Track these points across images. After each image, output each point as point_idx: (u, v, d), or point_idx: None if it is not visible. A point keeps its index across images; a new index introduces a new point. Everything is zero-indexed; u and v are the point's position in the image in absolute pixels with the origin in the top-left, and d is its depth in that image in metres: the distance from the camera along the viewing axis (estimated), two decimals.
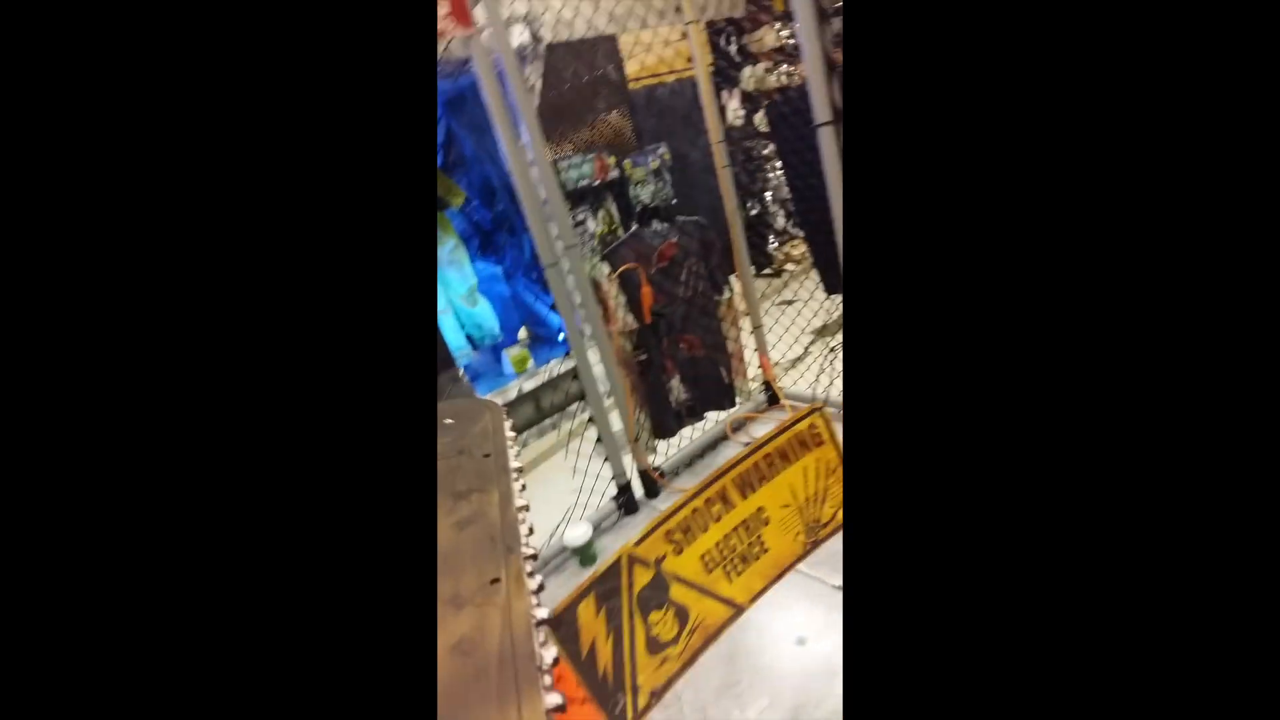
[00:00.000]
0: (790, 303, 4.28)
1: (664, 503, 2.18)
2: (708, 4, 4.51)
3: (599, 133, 3.83)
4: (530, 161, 1.83)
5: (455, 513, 0.81)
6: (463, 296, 3.77)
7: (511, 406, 3.39)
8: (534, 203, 1.83)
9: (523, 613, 0.63)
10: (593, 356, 2.06)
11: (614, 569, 1.45)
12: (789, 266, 4.90)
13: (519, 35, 3.35)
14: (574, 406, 3.32)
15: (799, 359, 3.44)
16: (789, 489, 1.72)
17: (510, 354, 3.58)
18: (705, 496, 1.60)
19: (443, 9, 1.78)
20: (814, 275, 2.49)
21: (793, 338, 2.94)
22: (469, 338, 3.85)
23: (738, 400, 2.49)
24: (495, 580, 0.66)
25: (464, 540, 0.75)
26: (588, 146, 3.71)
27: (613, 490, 2.20)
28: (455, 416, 1.08)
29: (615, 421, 2.16)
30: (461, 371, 2.87)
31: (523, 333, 3.99)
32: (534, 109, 1.83)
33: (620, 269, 2.12)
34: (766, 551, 1.63)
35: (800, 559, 1.67)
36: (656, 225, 2.21)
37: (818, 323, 3.64)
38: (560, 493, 2.14)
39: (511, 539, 0.75)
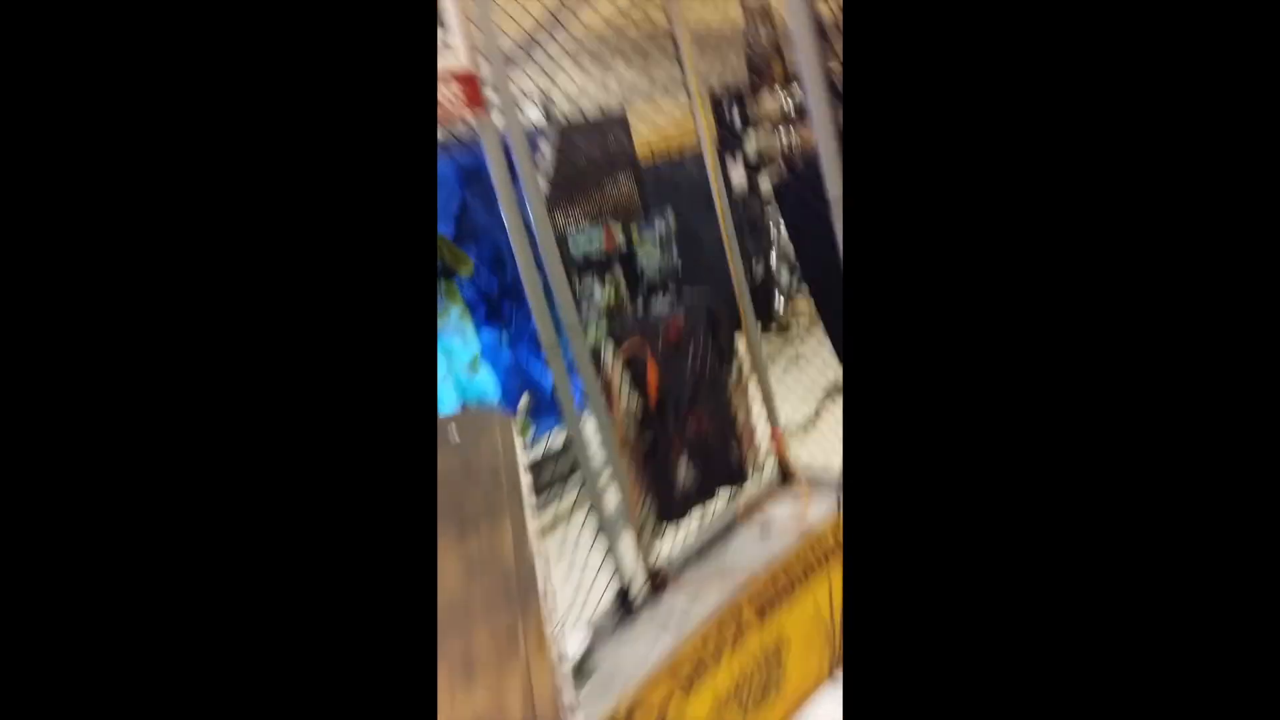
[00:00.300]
0: (798, 359, 4.24)
1: (672, 599, 2.02)
2: (709, 73, 4.65)
3: (607, 201, 3.87)
4: (536, 243, 1.81)
5: (462, 547, 0.70)
6: (465, 365, 3.72)
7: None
8: (535, 286, 1.79)
9: (547, 688, 0.52)
10: (591, 438, 1.98)
11: None
12: (796, 319, 4.89)
13: (533, 115, 3.43)
14: (573, 481, 3.21)
15: (811, 421, 3.34)
16: (813, 606, 1.53)
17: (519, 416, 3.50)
18: (718, 620, 1.43)
19: (454, 90, 1.79)
20: (820, 331, 2.43)
21: (800, 398, 2.86)
22: (465, 406, 3.78)
23: (748, 476, 2.38)
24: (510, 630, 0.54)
25: (474, 588, 0.64)
26: (596, 215, 3.74)
27: (614, 587, 2.03)
28: (461, 432, 0.98)
29: (615, 506, 2.04)
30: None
31: (524, 401, 3.91)
32: (539, 187, 1.81)
33: (627, 350, 2.06)
34: (788, 680, 1.46)
35: (827, 685, 1.49)
36: (662, 300, 2.16)
37: (825, 381, 3.56)
38: (553, 579, 2.01)
39: (528, 582, 0.63)
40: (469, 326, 3.70)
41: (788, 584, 1.51)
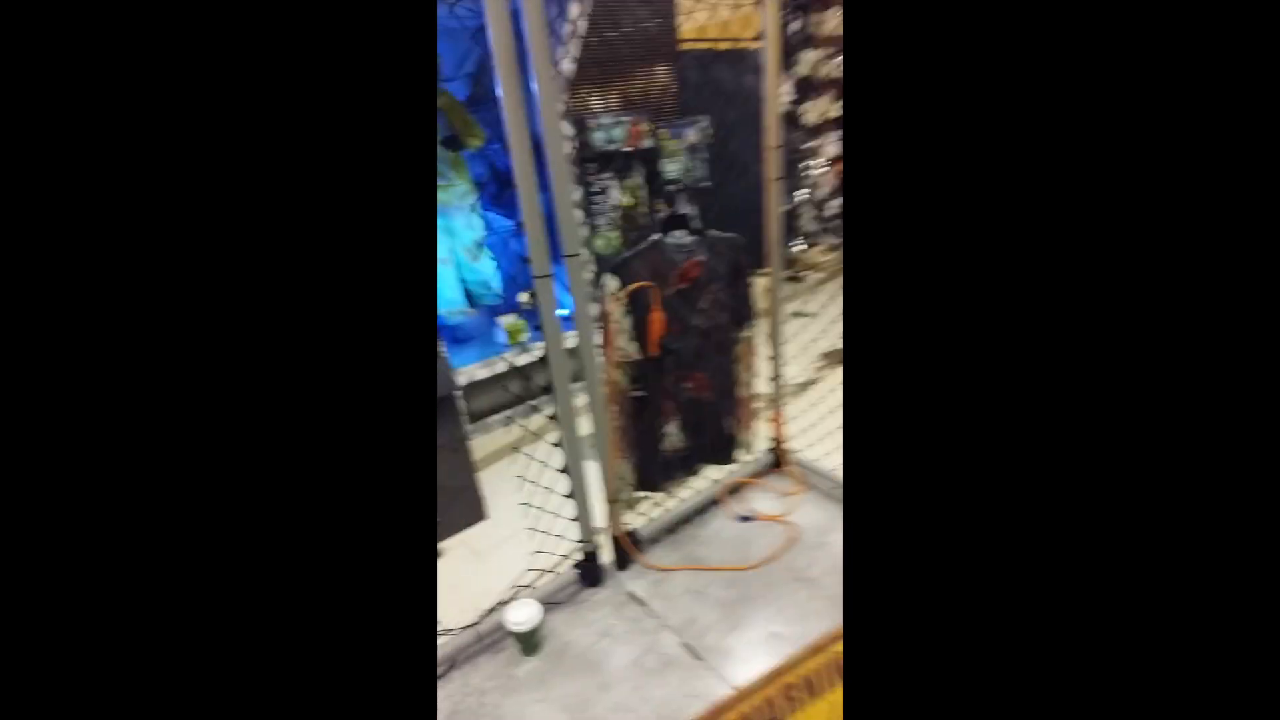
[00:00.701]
0: (804, 315, 3.95)
1: (635, 577, 1.90)
2: None
3: (639, 93, 3.47)
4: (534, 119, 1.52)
5: None
6: (467, 248, 3.48)
7: (495, 381, 3.14)
8: (526, 169, 1.53)
9: None
10: (565, 367, 1.76)
11: None
12: (811, 273, 4.54)
13: None
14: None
15: (806, 385, 3.14)
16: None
17: (505, 321, 3.31)
18: None
19: None
20: (832, 288, 2.17)
21: (793, 359, 2.63)
22: (468, 293, 3.57)
23: (737, 456, 2.19)
24: None
25: None
26: (624, 107, 3.36)
27: (576, 553, 1.87)
28: None
29: (588, 457, 1.83)
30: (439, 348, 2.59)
31: (524, 297, 3.70)
32: (546, 52, 1.51)
33: (631, 286, 1.78)
34: None
35: None
36: (681, 237, 1.87)
37: (826, 345, 3.32)
38: (510, 511, 1.88)
39: None
40: (474, 205, 3.43)
41: (787, 705, 1.34)
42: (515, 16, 1.45)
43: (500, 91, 1.50)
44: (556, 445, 1.73)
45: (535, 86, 1.53)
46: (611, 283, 1.79)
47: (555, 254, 1.62)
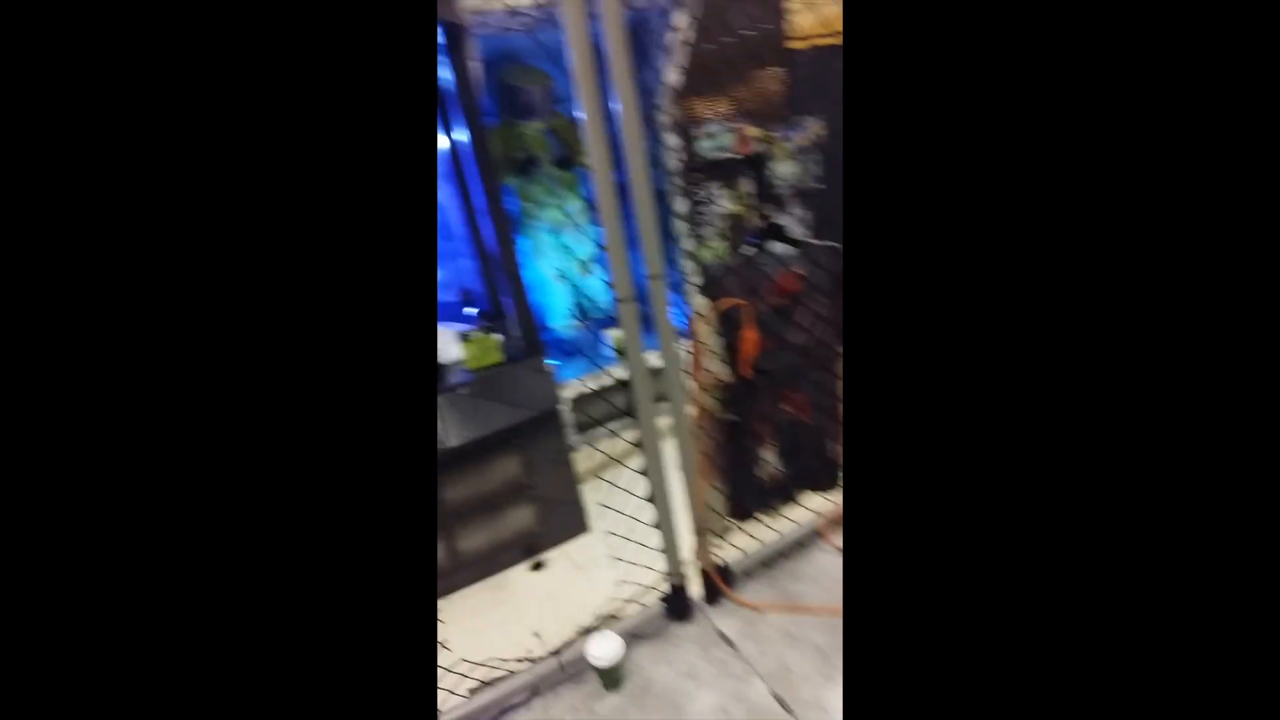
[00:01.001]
0: None
1: (727, 615, 1.79)
2: None
3: (749, 97, 3.34)
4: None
5: None
6: (578, 264, 3.56)
7: (598, 395, 3.15)
8: (608, 191, 1.49)
9: None
10: (647, 389, 1.70)
11: None
12: None
13: None
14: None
15: None
16: None
17: (613, 335, 3.33)
18: None
19: None
20: None
21: None
22: (579, 307, 3.65)
23: (840, 483, 2.00)
24: None
25: None
26: (733, 114, 3.26)
27: (662, 585, 1.78)
28: None
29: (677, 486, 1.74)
30: (547, 365, 2.64)
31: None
32: (627, 70, 1.46)
33: (721, 305, 1.68)
34: None
35: None
36: (778, 248, 1.74)
37: None
38: (609, 522, 1.85)
39: None
40: (586, 223, 3.49)
41: None
42: (597, 37, 1.42)
43: (582, 113, 1.48)
44: (642, 473, 1.67)
45: (617, 105, 1.50)
46: (699, 301, 1.71)
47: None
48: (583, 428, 3.19)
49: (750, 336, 1.70)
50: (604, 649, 1.58)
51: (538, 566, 2.54)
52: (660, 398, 1.64)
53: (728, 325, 1.72)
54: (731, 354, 1.73)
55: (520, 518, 2.54)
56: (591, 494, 2.59)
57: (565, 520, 2.62)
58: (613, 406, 3.18)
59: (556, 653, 1.66)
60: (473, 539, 2.46)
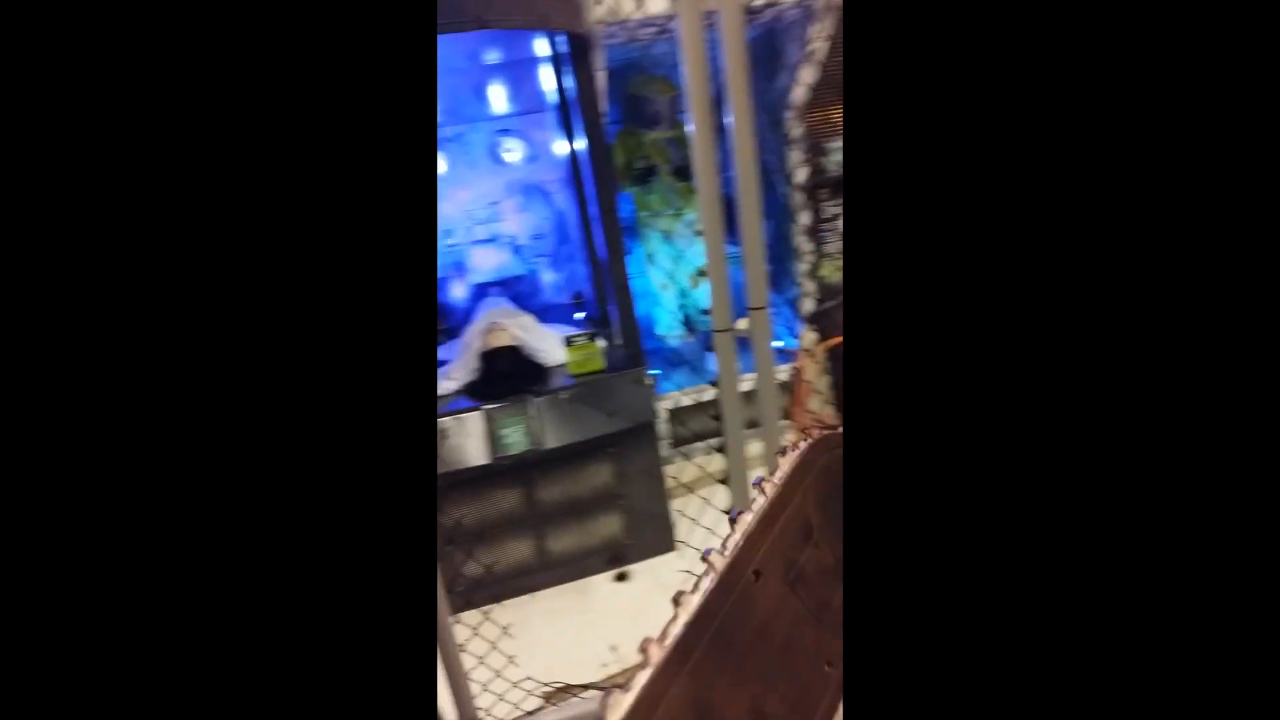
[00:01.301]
0: None
1: None
2: None
3: None
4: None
5: None
6: (690, 275, 3.52)
7: (699, 409, 3.09)
8: (714, 213, 1.44)
9: None
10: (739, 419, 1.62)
11: None
12: None
13: None
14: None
15: None
16: None
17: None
18: None
19: None
20: None
21: None
22: (687, 319, 3.61)
23: None
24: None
25: None
26: None
27: None
28: None
29: None
30: (650, 375, 2.62)
31: (743, 323, 3.61)
32: (744, 85, 1.40)
33: (831, 341, 1.54)
34: None
35: None
36: None
37: None
38: (698, 541, 1.78)
39: None
40: (699, 233, 3.45)
41: None
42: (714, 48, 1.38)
43: (691, 128, 1.44)
44: (727, 513, 1.60)
45: (730, 120, 1.44)
46: (808, 336, 1.60)
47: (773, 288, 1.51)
48: (679, 441, 3.15)
49: None
50: None
51: (622, 578, 2.54)
52: (752, 423, 1.56)
53: (838, 364, 1.59)
54: (839, 395, 1.60)
55: (608, 526, 2.55)
56: (683, 509, 2.55)
57: (653, 534, 2.59)
58: (713, 422, 3.11)
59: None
60: (560, 541, 2.50)
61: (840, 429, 0.45)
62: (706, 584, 0.37)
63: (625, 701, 0.35)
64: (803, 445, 0.41)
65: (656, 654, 0.37)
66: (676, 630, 0.38)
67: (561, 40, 2.37)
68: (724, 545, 0.38)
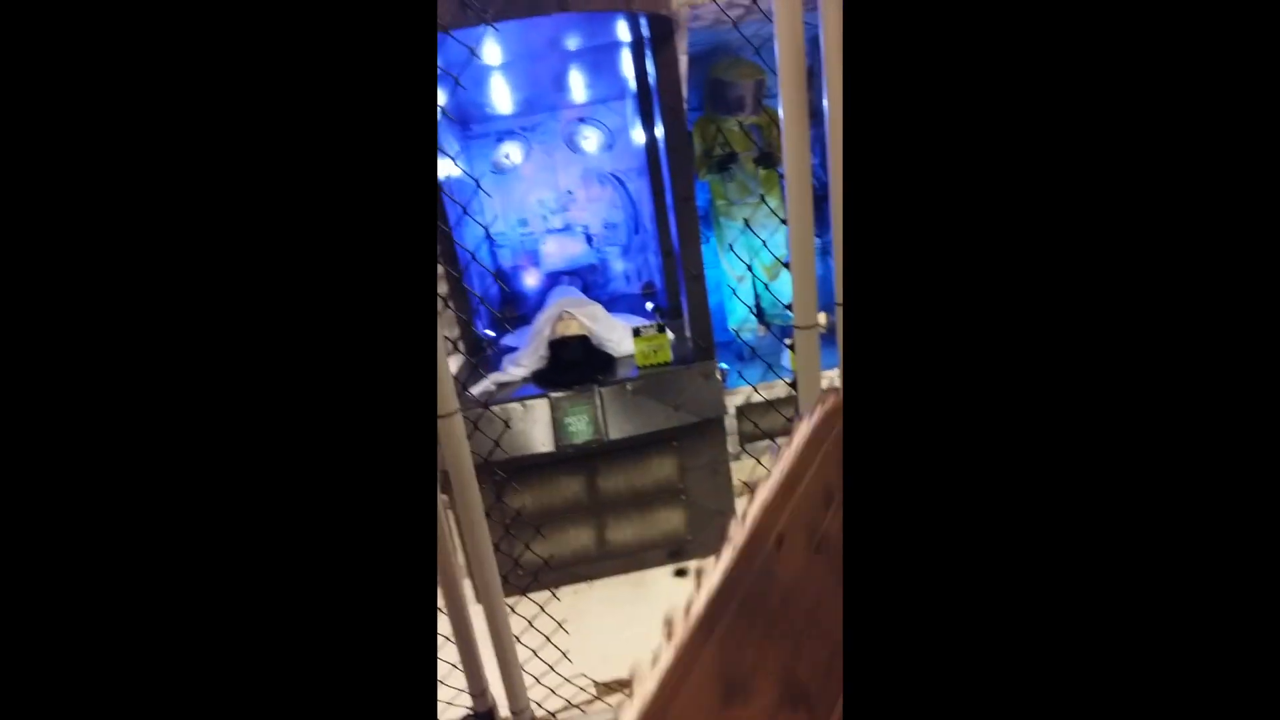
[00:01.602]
0: None
1: None
2: None
3: None
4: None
5: None
6: (767, 266, 3.40)
7: (770, 406, 2.99)
8: (804, 201, 1.35)
9: None
10: None
11: None
12: None
13: None
14: None
15: None
16: None
17: (788, 344, 3.14)
18: None
19: None
20: None
21: None
22: (760, 310, 3.50)
23: None
24: None
25: None
26: None
27: None
28: None
29: None
30: (721, 368, 2.55)
31: (822, 318, 3.46)
32: (841, 54, 1.30)
33: None
34: None
35: None
36: None
37: None
38: None
39: None
40: (780, 224, 3.33)
41: None
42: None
43: (781, 111, 1.35)
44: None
45: (826, 104, 1.35)
46: None
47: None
48: (748, 438, 3.07)
49: None
50: None
51: (681, 573, 2.50)
52: None
53: None
54: None
55: (670, 520, 2.51)
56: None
57: (715, 532, 2.53)
58: (785, 420, 3.00)
59: None
60: (620, 531, 2.48)
61: None
62: (728, 555, 0.36)
63: (653, 675, 0.34)
64: (818, 410, 0.39)
65: (681, 628, 0.36)
66: (700, 603, 0.36)
67: (643, 23, 2.31)
68: (743, 516, 0.37)
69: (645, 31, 2.35)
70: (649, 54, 2.39)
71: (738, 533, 0.37)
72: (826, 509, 0.39)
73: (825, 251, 3.46)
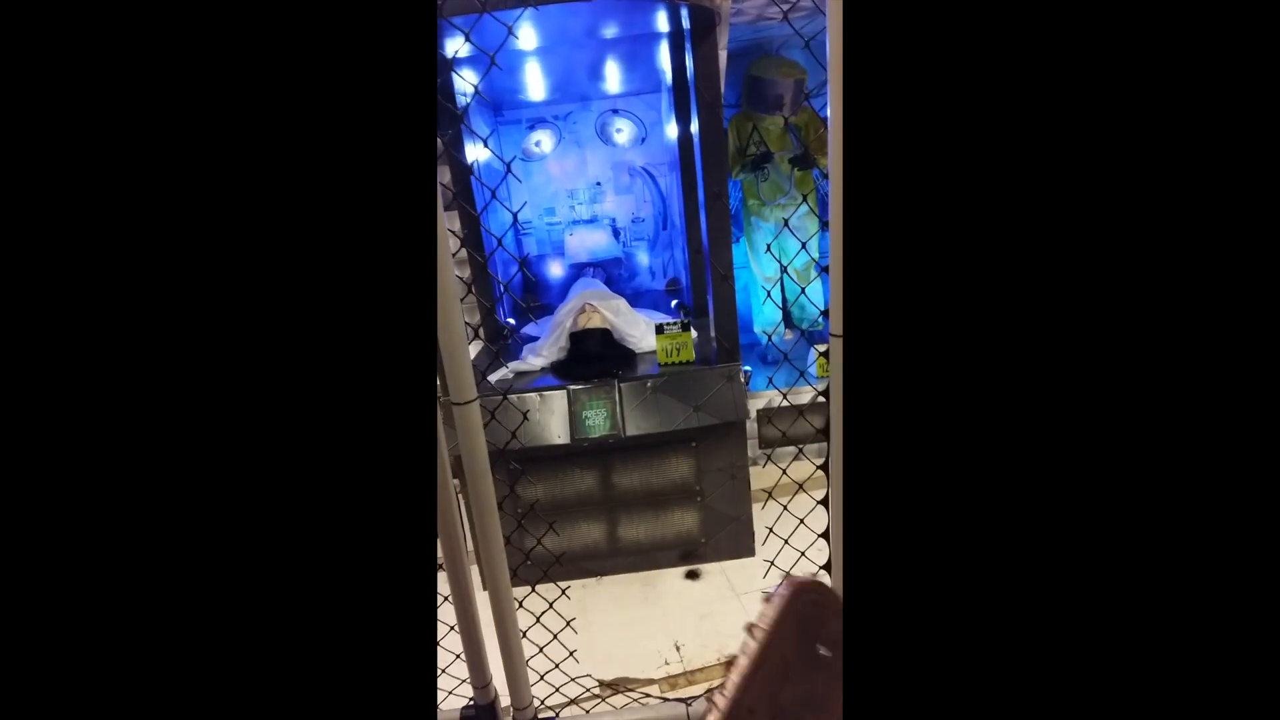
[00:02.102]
0: None
1: None
2: None
3: None
4: None
5: None
6: (798, 270, 3.34)
7: (794, 411, 2.94)
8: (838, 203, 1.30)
9: None
10: None
11: None
12: None
13: None
14: None
15: None
16: None
17: (820, 351, 3.07)
18: None
19: None
20: None
21: None
22: (787, 314, 3.44)
23: None
24: None
25: None
26: None
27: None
28: None
29: None
30: (745, 370, 2.50)
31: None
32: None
33: None
34: None
35: None
36: None
37: None
38: (787, 555, 1.67)
39: None
40: (815, 226, 3.26)
41: None
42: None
43: (828, 113, 1.31)
44: (822, 503, 1.48)
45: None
46: None
47: None
48: (769, 443, 3.02)
49: None
50: None
51: (692, 575, 2.46)
52: None
53: None
54: None
55: (684, 521, 2.47)
56: (766, 516, 2.43)
57: (730, 536, 2.49)
58: (811, 427, 2.95)
59: (686, 703, 1.53)
60: (633, 529, 2.45)
61: (818, 579, 0.47)
62: None
63: None
64: (785, 592, 0.46)
65: None
66: None
67: (684, 14, 2.27)
68: (724, 687, 0.44)
69: (686, 23, 2.31)
70: (688, 47, 2.34)
71: (720, 701, 0.43)
72: (784, 681, 0.45)
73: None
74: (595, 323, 2.43)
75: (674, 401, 2.26)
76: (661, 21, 2.44)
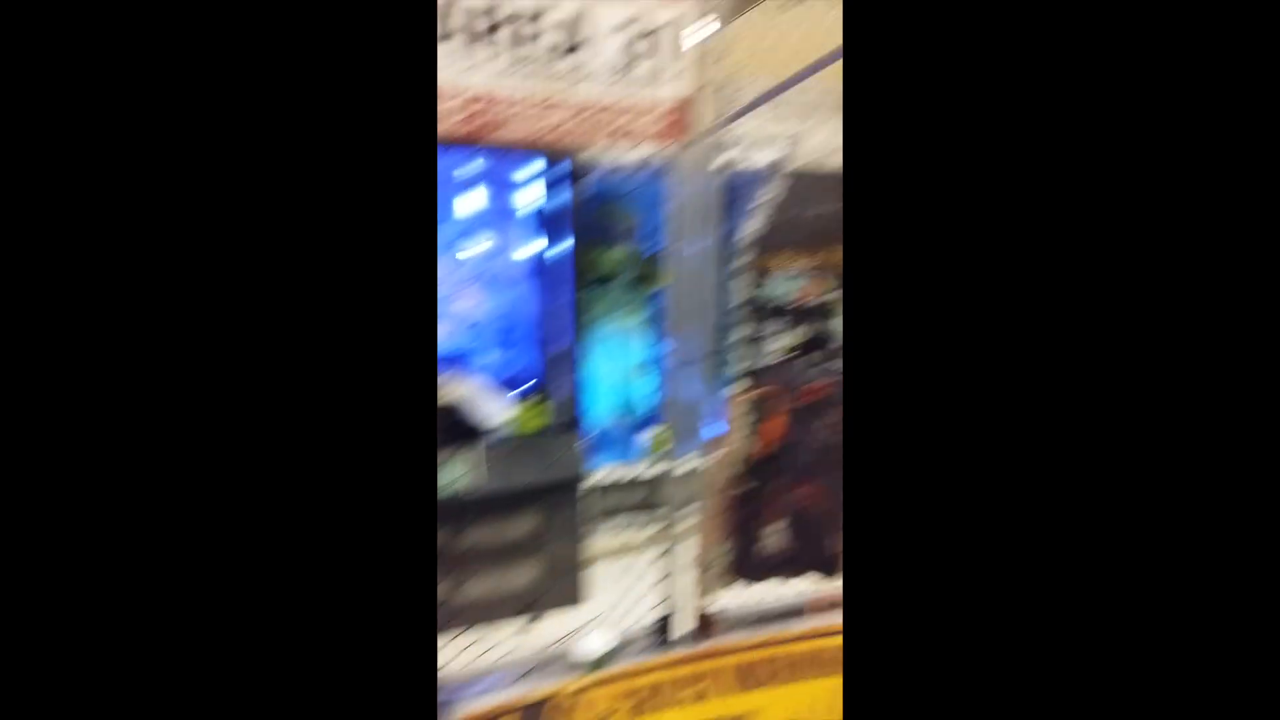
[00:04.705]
0: None
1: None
2: None
3: (823, 259, 3.74)
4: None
5: None
6: (632, 369, 3.92)
7: (622, 488, 3.35)
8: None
9: None
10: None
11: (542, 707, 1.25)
12: None
13: (764, 156, 3.45)
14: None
15: None
16: (807, 705, 1.37)
17: (652, 431, 3.55)
18: (693, 669, 1.35)
19: (658, 116, 1.93)
20: None
21: None
22: (624, 404, 3.96)
23: (838, 572, 2.15)
24: None
25: None
26: (809, 268, 3.64)
27: (659, 611, 2.00)
28: None
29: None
30: (583, 438, 2.89)
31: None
32: (712, 223, 1.86)
33: (754, 391, 2.00)
34: None
35: None
36: (819, 359, 2.06)
37: None
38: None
39: None
40: (644, 335, 3.89)
41: (789, 668, 1.35)
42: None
43: (653, 252, 1.86)
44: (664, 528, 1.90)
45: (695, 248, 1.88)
46: (740, 384, 1.99)
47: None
48: (603, 514, 3.36)
49: (775, 422, 1.97)
50: (595, 642, 1.64)
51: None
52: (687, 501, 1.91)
53: (759, 409, 2.01)
54: (757, 432, 2.01)
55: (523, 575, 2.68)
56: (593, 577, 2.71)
57: (556, 592, 2.72)
58: (636, 500, 3.35)
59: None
60: (475, 585, 2.60)
61: None
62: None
63: None
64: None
65: None
66: None
67: (545, 163, 2.81)
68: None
69: (548, 173, 2.83)
70: (549, 190, 2.86)
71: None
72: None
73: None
74: (449, 398, 2.72)
75: (517, 463, 2.57)
76: (526, 170, 2.94)
